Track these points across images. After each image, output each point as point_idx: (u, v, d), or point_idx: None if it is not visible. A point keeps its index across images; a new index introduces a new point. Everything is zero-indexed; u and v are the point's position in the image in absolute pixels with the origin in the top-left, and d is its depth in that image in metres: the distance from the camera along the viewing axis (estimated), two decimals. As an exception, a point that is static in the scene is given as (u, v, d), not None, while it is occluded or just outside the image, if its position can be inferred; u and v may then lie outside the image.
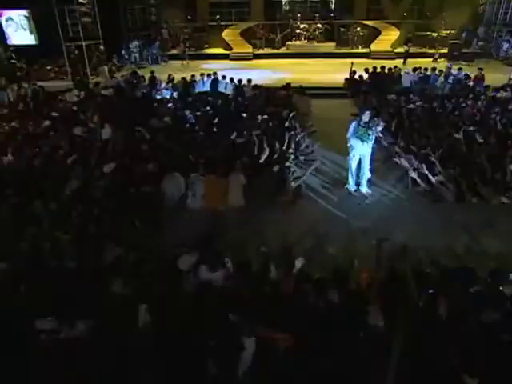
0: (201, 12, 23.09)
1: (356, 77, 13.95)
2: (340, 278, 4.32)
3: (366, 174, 7.34)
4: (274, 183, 7.08)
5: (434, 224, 6.28)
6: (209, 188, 6.95)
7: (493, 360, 3.22)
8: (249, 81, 13.74)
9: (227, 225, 6.34)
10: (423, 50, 19.43)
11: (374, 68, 14.26)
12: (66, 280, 4.45)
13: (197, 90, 13.95)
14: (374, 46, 19.98)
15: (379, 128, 6.85)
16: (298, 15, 22.57)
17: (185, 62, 19.49)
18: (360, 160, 7.19)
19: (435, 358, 3.24)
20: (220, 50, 21.49)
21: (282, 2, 23.25)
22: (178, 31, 21.30)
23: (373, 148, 7.13)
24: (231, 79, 14.16)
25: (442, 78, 13.28)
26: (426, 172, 7.06)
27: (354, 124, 6.92)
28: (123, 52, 18.88)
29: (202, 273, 4.67)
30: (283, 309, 3.89)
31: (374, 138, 6.95)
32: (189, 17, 22.40)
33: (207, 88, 14.19)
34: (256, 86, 13.62)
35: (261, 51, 21.38)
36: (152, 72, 14.65)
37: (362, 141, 6.88)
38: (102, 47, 16.50)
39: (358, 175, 7.38)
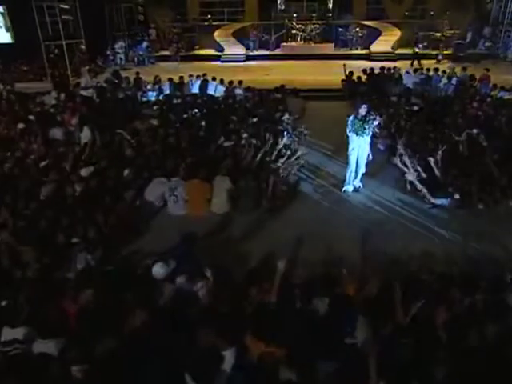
0: (191, 11, 23.19)
1: (353, 78, 13.98)
2: (329, 284, 4.30)
3: (362, 169, 7.51)
4: (262, 187, 7.11)
5: (434, 230, 6.28)
6: (191, 193, 6.94)
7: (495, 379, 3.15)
8: (240, 82, 13.84)
9: (210, 232, 6.29)
10: (425, 51, 19.50)
11: (372, 69, 14.32)
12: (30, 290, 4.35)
13: (185, 92, 13.93)
14: (373, 47, 20.11)
15: (375, 122, 7.03)
16: (294, 15, 22.68)
17: (176, 63, 19.49)
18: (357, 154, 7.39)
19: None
20: (211, 52, 21.62)
21: (277, 1, 23.34)
22: (167, 31, 21.31)
23: (370, 144, 7.31)
24: (221, 81, 14.25)
25: (445, 79, 13.30)
26: (423, 175, 7.08)
27: (351, 118, 7.15)
28: (108, 53, 18.90)
29: (180, 284, 4.61)
30: (267, 320, 3.86)
31: (370, 133, 7.12)
32: (178, 16, 22.45)
33: (196, 90, 14.23)
34: (248, 88, 13.69)
35: (254, 52, 21.51)
36: (137, 73, 14.65)
37: (357, 134, 7.08)
38: (83, 46, 16.47)
39: (355, 171, 7.56)
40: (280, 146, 8.38)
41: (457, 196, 6.71)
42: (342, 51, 20.82)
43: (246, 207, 6.92)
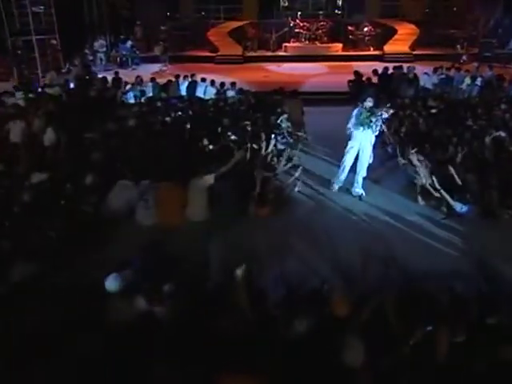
0: (183, 8, 23.45)
1: (363, 79, 13.88)
2: (315, 303, 4.21)
3: (363, 171, 7.60)
4: (248, 192, 7.10)
5: (449, 243, 6.23)
6: (164, 198, 6.83)
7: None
8: (233, 84, 13.96)
9: (183, 242, 6.14)
10: (443, 51, 19.61)
11: (386, 68, 14.23)
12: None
13: (171, 94, 13.94)
14: (388, 47, 20.17)
15: (385, 115, 7.17)
16: (299, 13, 22.88)
17: (164, 66, 19.55)
18: (358, 154, 7.52)
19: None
20: (204, 52, 21.77)
21: (279, -4, 23.61)
22: (156, 30, 21.50)
23: (375, 143, 7.50)
24: (212, 82, 14.30)
25: (468, 80, 13.20)
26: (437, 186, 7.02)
27: (357, 110, 7.30)
28: (86, 52, 18.94)
29: (140, 304, 4.41)
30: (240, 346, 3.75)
31: (376, 129, 7.24)
32: (168, 13, 22.64)
33: (183, 92, 14.23)
34: (242, 91, 13.69)
35: (253, 53, 21.66)
36: (116, 72, 14.66)
37: (363, 125, 7.18)
38: (54, 41, 16.46)
39: (353, 171, 7.68)
40: (270, 150, 8.47)
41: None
42: (352, 52, 20.94)
43: (229, 214, 6.82)
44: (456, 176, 7.06)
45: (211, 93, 13.98)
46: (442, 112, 11.04)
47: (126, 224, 6.78)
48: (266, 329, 4.00)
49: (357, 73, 13.99)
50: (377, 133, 7.31)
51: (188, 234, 6.42)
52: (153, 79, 14.27)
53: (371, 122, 7.05)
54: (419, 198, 7.28)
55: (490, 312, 3.98)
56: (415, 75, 13.79)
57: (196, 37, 22.55)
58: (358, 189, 7.68)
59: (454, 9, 20.80)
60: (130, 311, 4.26)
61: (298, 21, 22.18)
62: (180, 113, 11.60)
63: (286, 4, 23.81)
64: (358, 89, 13.46)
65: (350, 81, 13.98)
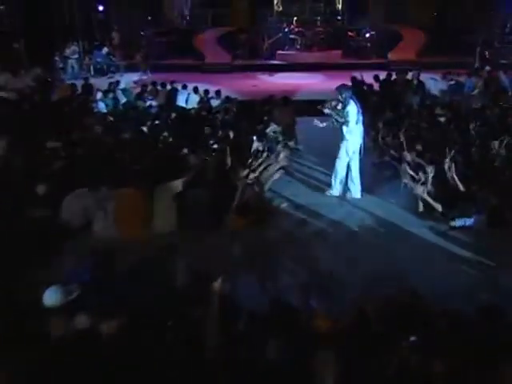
0: (167, 12, 23.71)
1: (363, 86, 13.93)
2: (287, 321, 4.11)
3: (357, 172, 8.12)
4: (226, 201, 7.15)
5: (454, 256, 6.31)
6: (125, 207, 6.84)
7: None
8: (218, 92, 14.15)
9: (143, 257, 6.00)
10: (454, 59, 19.75)
11: (389, 74, 14.31)
12: None
13: (148, 103, 13.99)
14: (393, 55, 20.35)
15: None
16: (294, 19, 23.12)
17: (144, 75, 19.64)
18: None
19: None
20: (189, 60, 22.01)
21: (272, 1, 23.90)
22: (135, 35, 21.67)
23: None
24: (195, 89, 14.45)
25: (481, 86, 13.22)
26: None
27: (353, 104, 7.86)
28: (56, 59, 18.99)
29: (82, 321, 4.27)
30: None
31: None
32: (149, 17, 22.87)
33: (162, 101, 14.29)
34: (228, 99, 13.76)
35: (243, 62, 21.87)
36: (85, 78, 14.70)
37: (357, 123, 7.84)
38: (17, 45, 16.42)
39: (347, 177, 8.19)
40: (254, 159, 8.59)
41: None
42: (353, 60, 21.10)
43: (202, 225, 6.89)
44: (458, 182, 7.16)
45: (194, 101, 14.11)
46: (451, 121, 11.04)
47: (81, 236, 6.71)
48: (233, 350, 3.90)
49: (354, 79, 14.04)
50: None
51: (151, 247, 6.24)
52: (124, 88, 14.63)
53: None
54: (420, 206, 7.32)
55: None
56: (420, 81, 13.81)
57: (180, 44, 22.71)
58: (357, 192, 8.16)
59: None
60: (70, 328, 4.15)
61: (292, 26, 22.41)
62: (158, 121, 11.73)
63: (281, 9, 24.07)
64: (355, 96, 13.49)
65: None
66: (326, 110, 8.03)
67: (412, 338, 3.59)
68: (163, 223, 6.87)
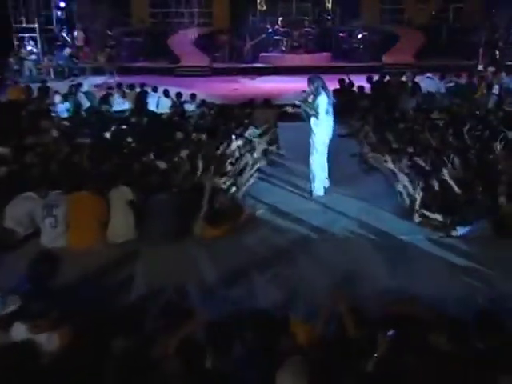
0: (137, 11, 23.93)
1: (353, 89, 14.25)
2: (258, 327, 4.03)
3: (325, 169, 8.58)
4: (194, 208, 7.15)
5: (450, 265, 6.31)
6: (77, 213, 6.73)
7: None
8: (192, 96, 14.25)
9: (94, 269, 6.11)
10: (455, 61, 20.01)
11: (382, 76, 14.51)
12: None
13: (114, 108, 14.05)
14: (388, 57, 20.61)
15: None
16: (280, 19, 23.38)
17: (110, 79, 19.66)
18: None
19: None
20: (162, 63, 22.18)
21: (256, 0, 24.16)
22: (101, 35, 21.74)
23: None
24: (165, 93, 14.61)
25: (483, 88, 13.40)
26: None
27: (324, 95, 8.10)
28: (11, 60, 18.96)
29: (18, 332, 4.29)
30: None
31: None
32: (117, 15, 22.95)
33: (129, 105, 14.31)
34: (204, 103, 13.86)
35: (223, 65, 22.05)
36: (43, 81, 14.72)
37: (329, 114, 8.17)
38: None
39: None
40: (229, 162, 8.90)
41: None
42: (344, 63, 21.31)
43: (165, 234, 6.83)
44: (455, 187, 7.22)
45: (165, 105, 14.20)
46: (450, 125, 11.15)
47: (25, 248, 6.63)
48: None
49: (343, 81, 14.21)
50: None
51: (104, 258, 6.41)
52: (86, 91, 14.74)
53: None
54: (415, 215, 7.29)
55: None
56: (416, 83, 13.99)
57: (152, 45, 22.93)
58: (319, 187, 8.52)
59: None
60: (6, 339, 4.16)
61: (277, 26, 22.69)
62: (124, 126, 11.92)
63: (264, 8, 24.35)
64: (345, 100, 13.59)
65: (335, 90, 14.08)
66: (297, 102, 8.44)
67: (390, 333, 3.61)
68: (119, 231, 6.82)
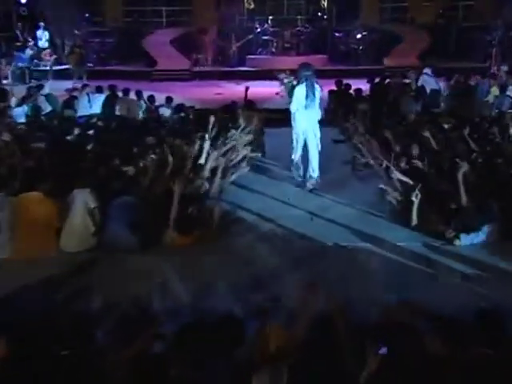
0: (109, 8, 24.13)
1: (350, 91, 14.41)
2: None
3: (316, 159, 9.24)
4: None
5: (451, 273, 6.40)
6: (25, 218, 6.68)
7: None
8: (169, 99, 14.40)
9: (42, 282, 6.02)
10: (464, 63, 20.24)
11: (383, 78, 14.67)
12: None
13: (79, 112, 14.09)
14: (390, 60, 20.79)
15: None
16: (270, 18, 23.56)
17: (78, 83, 19.62)
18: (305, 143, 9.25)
19: None
20: (136, 66, 22.44)
21: (243, -3, 24.35)
22: (68, 35, 21.77)
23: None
24: (138, 95, 14.67)
25: (495, 90, 13.48)
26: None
27: (302, 86, 8.85)
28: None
29: None
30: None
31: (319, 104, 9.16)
32: (87, 15, 23.06)
33: (97, 109, 14.37)
34: (181, 107, 13.90)
35: (205, 68, 22.30)
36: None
37: (307, 107, 8.86)
38: None
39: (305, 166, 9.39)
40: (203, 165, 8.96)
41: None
42: (341, 66, 21.58)
43: (129, 242, 6.84)
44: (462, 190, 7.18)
45: (140, 110, 14.32)
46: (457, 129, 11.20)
47: None
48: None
49: (340, 82, 14.36)
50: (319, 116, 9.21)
51: (55, 269, 6.34)
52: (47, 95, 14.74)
53: (314, 96, 8.81)
54: (412, 220, 7.33)
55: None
56: (420, 87, 14.11)
57: (126, 46, 23.07)
58: (314, 177, 9.24)
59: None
60: None
61: (266, 26, 22.90)
62: (90, 131, 12.04)
63: (252, 6, 24.51)
64: (341, 103, 13.63)
65: (330, 92, 14.13)
66: (282, 75, 9.51)
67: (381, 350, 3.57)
68: (75, 239, 6.80)
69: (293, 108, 9.07)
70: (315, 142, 9.25)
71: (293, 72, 13.27)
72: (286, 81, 8.86)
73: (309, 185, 9.26)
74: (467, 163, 8.26)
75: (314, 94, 8.88)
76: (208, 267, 6.55)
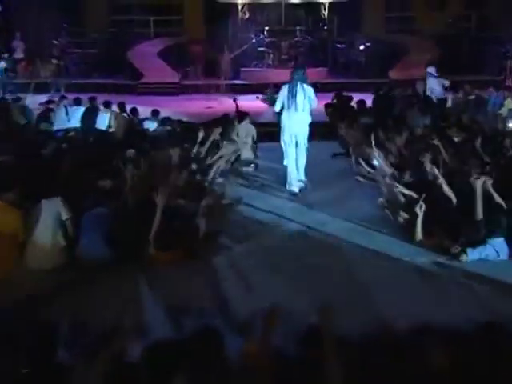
0: (91, 18, 24.28)
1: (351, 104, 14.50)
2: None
3: (303, 160, 10.03)
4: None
5: (465, 291, 6.42)
6: None
7: None
8: (154, 113, 14.41)
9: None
10: (476, 76, 20.33)
11: (390, 88, 14.81)
12: None
13: (56, 125, 14.12)
14: (395, 73, 20.92)
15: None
16: (266, 29, 23.72)
17: (56, 97, 19.62)
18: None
19: None
20: (121, 80, 22.53)
21: (237, 5, 24.45)
22: (46, 45, 21.83)
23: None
24: (121, 107, 14.83)
25: (509, 102, 13.49)
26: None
27: (285, 86, 9.73)
28: None
29: None
30: None
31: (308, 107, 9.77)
32: (65, 25, 23.08)
33: (75, 123, 14.34)
34: (167, 121, 13.93)
35: (195, 81, 22.38)
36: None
37: (296, 110, 9.58)
38: None
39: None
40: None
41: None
42: (343, 79, 21.70)
43: (104, 258, 6.90)
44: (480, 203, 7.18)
45: (120, 122, 14.18)
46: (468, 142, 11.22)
47: None
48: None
49: (339, 95, 14.61)
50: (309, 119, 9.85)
51: (18, 289, 6.34)
52: (23, 106, 14.93)
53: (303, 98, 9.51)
54: (418, 234, 7.34)
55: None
56: (428, 98, 14.15)
57: (109, 58, 23.17)
58: (299, 179, 9.92)
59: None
60: None
61: (262, 36, 23.08)
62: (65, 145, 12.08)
63: (247, 16, 24.65)
64: (342, 116, 13.63)
65: (327, 105, 14.16)
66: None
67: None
68: (43, 256, 6.69)
69: (276, 107, 10.02)
70: (303, 145, 9.93)
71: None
72: (267, 96, 9.40)
73: (295, 188, 9.83)
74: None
75: (295, 95, 9.51)
76: (186, 285, 6.55)
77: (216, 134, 11.13)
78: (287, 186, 9.94)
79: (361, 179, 9.69)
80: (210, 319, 5.63)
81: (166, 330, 5.55)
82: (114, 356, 4.18)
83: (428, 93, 14.93)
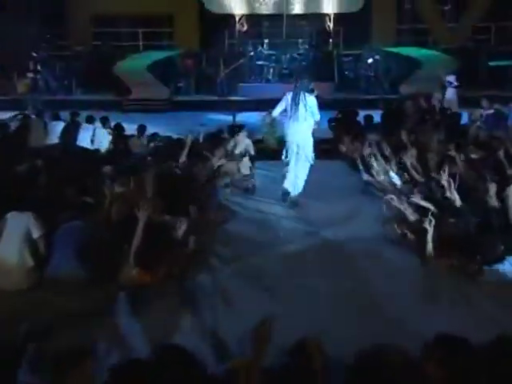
0: (76, 29, 24.49)
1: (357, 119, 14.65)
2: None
3: (304, 172, 10.44)
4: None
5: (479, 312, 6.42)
6: None
7: None
8: (141, 129, 14.60)
9: None
10: (496, 92, 20.29)
11: (401, 102, 14.95)
12: None
13: (32, 141, 14.18)
14: (407, 88, 20.79)
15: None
16: (265, 41, 23.89)
17: (33, 114, 19.62)
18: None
19: None
20: (106, 96, 22.61)
21: (234, 16, 24.60)
22: (24, 58, 21.87)
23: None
24: (104, 122, 14.91)
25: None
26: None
27: (289, 94, 10.15)
28: None
29: None
30: None
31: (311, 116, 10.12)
32: (48, 36, 23.26)
33: (55, 138, 14.36)
34: (154, 137, 13.96)
35: (188, 97, 22.54)
36: None
37: (298, 119, 10.01)
38: None
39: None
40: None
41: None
42: (350, 95, 21.72)
43: (77, 279, 6.72)
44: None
45: (104, 140, 14.37)
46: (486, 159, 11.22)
47: None
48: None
49: (343, 111, 14.87)
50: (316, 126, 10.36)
51: None
52: None
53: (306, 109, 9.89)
54: (428, 252, 7.34)
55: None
56: (445, 109, 14.10)
57: (94, 72, 23.22)
58: (293, 197, 10.31)
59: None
60: None
61: (261, 49, 23.22)
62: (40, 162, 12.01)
63: (245, 28, 24.85)
64: (345, 131, 13.61)
65: (331, 120, 14.15)
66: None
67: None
68: (10, 276, 6.68)
69: (275, 112, 10.62)
70: (304, 156, 10.32)
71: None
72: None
73: (288, 199, 10.35)
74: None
75: (297, 104, 9.93)
76: (173, 312, 6.53)
77: (220, 154, 11.11)
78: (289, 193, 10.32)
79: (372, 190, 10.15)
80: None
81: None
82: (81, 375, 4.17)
83: (445, 105, 14.88)
